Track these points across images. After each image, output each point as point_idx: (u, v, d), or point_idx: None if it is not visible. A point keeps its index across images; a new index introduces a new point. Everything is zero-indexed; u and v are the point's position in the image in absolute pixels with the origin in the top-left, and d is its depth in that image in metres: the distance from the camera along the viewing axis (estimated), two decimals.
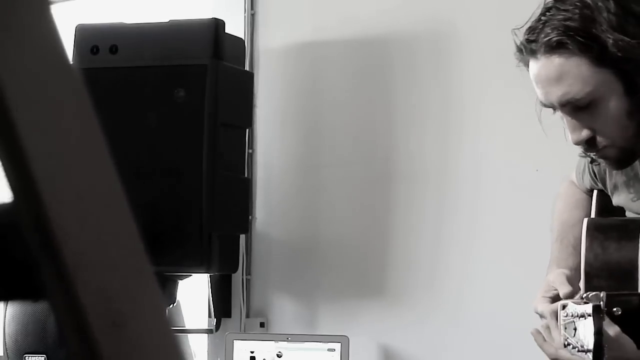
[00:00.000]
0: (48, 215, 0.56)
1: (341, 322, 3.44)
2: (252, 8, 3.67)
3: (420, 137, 3.40)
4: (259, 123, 3.62)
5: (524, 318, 3.09)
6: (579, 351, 1.79)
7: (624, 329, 1.83)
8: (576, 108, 1.94)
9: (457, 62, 3.36)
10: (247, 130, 3.48)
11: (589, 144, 1.96)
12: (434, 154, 3.38)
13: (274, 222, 3.62)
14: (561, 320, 1.89)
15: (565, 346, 1.86)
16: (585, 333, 1.76)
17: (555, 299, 2.01)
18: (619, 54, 1.84)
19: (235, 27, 3.52)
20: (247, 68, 3.53)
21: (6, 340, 3.31)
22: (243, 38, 3.55)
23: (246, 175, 3.50)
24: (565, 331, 1.86)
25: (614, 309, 1.79)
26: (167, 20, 3.27)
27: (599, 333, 1.73)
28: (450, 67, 3.37)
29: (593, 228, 2.00)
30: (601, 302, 1.76)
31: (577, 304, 1.81)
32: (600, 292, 1.78)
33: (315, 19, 3.59)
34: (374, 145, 3.48)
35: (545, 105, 1.99)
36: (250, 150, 3.58)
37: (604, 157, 1.98)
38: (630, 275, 1.84)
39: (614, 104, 1.90)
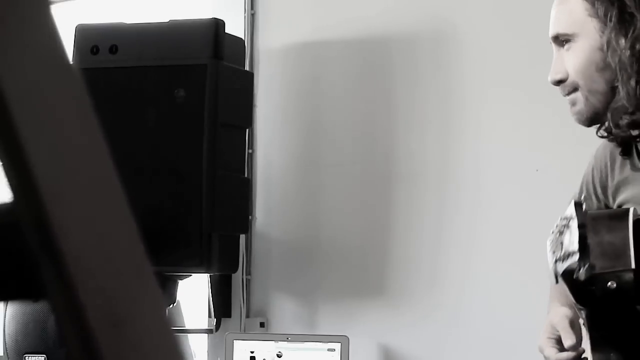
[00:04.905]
0: (48, 215, 0.56)
1: (341, 322, 3.44)
2: (252, 8, 3.67)
3: (421, 137, 3.40)
4: (259, 123, 3.62)
5: (524, 318, 3.10)
6: (564, 261, 1.87)
7: (618, 302, 1.89)
8: (560, 43, 2.05)
9: (458, 62, 3.36)
10: (247, 130, 3.48)
11: (562, 87, 2.06)
12: (434, 154, 3.38)
13: (274, 222, 3.62)
14: (548, 246, 1.94)
15: (556, 262, 1.92)
16: (571, 236, 1.86)
17: (560, 340, 2.07)
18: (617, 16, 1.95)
19: (235, 27, 3.52)
20: (247, 68, 3.53)
21: (6, 340, 3.31)
22: (243, 38, 3.55)
23: (246, 175, 3.50)
24: (553, 254, 1.91)
25: (609, 283, 1.86)
26: (167, 20, 3.27)
27: (582, 226, 1.84)
28: (451, 67, 3.37)
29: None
30: (581, 198, 1.90)
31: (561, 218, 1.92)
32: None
33: (315, 19, 3.59)
34: (374, 145, 3.48)
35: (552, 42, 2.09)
36: (250, 150, 3.58)
37: (573, 103, 2.06)
38: (623, 252, 1.89)
39: (587, 53, 2.01)
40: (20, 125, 0.56)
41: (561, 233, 1.91)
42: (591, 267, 1.86)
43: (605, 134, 2.09)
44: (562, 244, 1.90)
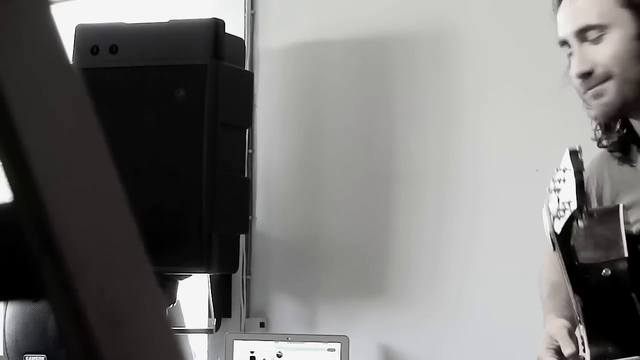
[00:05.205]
0: (48, 215, 0.56)
1: (341, 322, 3.43)
2: (252, 8, 3.67)
3: (421, 137, 3.40)
4: (259, 123, 3.62)
5: (524, 318, 3.10)
6: (561, 217, 1.86)
7: (613, 289, 1.92)
8: (583, 37, 2.03)
9: (458, 62, 3.36)
10: (247, 130, 3.48)
11: (590, 79, 2.03)
12: (434, 154, 3.38)
13: (274, 222, 3.62)
14: (544, 212, 1.94)
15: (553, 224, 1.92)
16: (568, 186, 1.85)
17: (559, 350, 2.07)
18: None
19: (235, 27, 3.52)
20: (247, 68, 3.53)
21: (6, 340, 3.31)
22: (243, 38, 3.55)
23: (246, 175, 3.50)
24: (549, 216, 1.92)
25: (604, 271, 1.90)
26: (167, 20, 3.26)
27: (579, 173, 1.83)
28: (451, 67, 3.37)
29: None
30: (577, 147, 1.88)
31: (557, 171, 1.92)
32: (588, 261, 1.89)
33: (315, 19, 3.59)
34: (374, 145, 3.48)
35: (562, 43, 2.07)
36: (250, 150, 3.58)
37: (600, 95, 2.03)
38: (615, 243, 1.90)
39: (623, 42, 2.00)
40: (20, 125, 0.56)
41: (557, 190, 1.90)
42: (590, 214, 1.86)
43: (608, 143, 2.11)
44: (559, 199, 1.89)
